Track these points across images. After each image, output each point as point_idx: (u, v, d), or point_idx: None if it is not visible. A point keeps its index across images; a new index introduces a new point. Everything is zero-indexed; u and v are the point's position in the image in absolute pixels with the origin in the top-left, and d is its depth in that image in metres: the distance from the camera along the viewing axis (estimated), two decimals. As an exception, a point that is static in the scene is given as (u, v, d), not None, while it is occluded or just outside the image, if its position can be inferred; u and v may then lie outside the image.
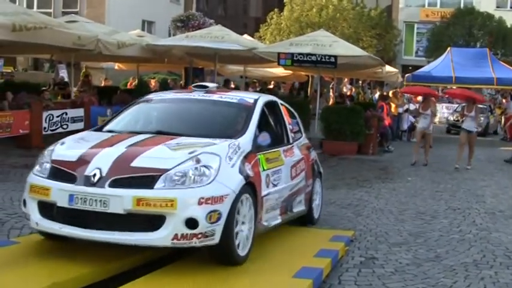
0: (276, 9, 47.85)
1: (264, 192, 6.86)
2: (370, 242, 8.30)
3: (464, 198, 12.18)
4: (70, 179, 6.09)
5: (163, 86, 21.22)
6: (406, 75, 28.04)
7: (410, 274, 6.95)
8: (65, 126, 16.92)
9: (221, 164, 6.16)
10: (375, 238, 8.55)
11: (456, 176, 15.40)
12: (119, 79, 31.84)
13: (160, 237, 5.79)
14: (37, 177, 6.48)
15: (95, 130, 7.95)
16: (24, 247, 6.76)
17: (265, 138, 7.00)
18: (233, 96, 7.92)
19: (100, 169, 5.99)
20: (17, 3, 37.12)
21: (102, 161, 6.10)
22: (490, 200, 12.02)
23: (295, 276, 6.10)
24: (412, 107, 25.11)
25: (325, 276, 6.53)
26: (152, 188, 5.85)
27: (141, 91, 19.90)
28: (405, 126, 25.02)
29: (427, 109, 17.27)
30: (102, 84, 28.51)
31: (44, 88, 19.67)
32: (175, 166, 5.98)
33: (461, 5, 50.10)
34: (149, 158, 6.12)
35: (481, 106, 33.65)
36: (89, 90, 21.36)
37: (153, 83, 26.77)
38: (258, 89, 27.55)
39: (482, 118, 26.91)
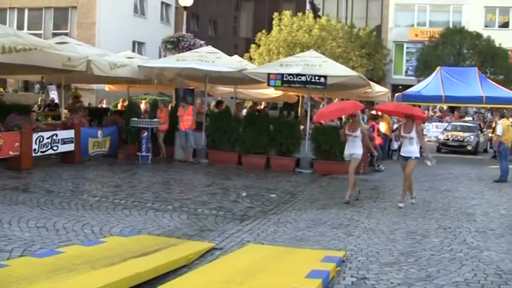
0: (264, 31, 48.08)
1: None
2: (361, 262, 8.28)
3: (455, 217, 12.16)
4: None
5: (154, 108, 21.19)
6: (396, 94, 28.15)
7: (402, 294, 6.93)
8: (55, 148, 16.88)
9: None
10: (366, 258, 8.53)
11: (447, 194, 15.40)
12: (109, 100, 31.90)
13: None
14: None
15: None
16: (13, 270, 6.69)
17: None
18: None
19: None
20: (7, 24, 37.21)
21: None
22: (481, 219, 12.00)
23: (286, 298, 6.09)
24: (395, 126, 25.22)
25: (317, 297, 6.51)
26: None
27: (131, 112, 19.98)
28: (396, 145, 25.02)
29: (355, 130, 13.63)
30: (99, 106, 28.64)
31: (32, 110, 19.60)
32: None
33: (450, 25, 50.50)
34: None
35: (469, 124, 34.09)
36: (80, 111, 21.34)
37: (143, 104, 26.80)
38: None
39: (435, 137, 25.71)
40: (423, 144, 13.76)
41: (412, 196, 13.63)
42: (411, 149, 13.20)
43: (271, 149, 19.02)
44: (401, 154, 13.52)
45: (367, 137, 14.20)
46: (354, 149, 13.66)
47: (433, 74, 28.49)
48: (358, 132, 13.63)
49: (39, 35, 32.04)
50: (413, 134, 13.12)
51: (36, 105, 26.25)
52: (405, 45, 53.92)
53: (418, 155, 13.40)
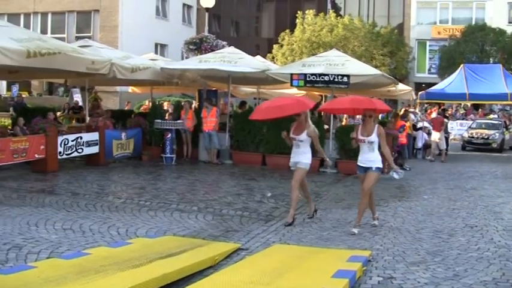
0: (287, 30, 48.10)
1: None
2: (387, 262, 8.24)
3: (481, 215, 12.07)
4: None
5: (177, 109, 21.28)
6: (420, 93, 27.98)
7: (429, 293, 6.89)
8: (80, 150, 17.00)
9: None
10: (393, 257, 8.49)
11: (473, 193, 15.27)
12: (133, 102, 32.08)
13: None
14: None
15: None
16: (41, 271, 6.74)
17: None
18: None
19: None
20: (31, 28, 37.54)
21: None
22: (508, 217, 11.89)
23: (313, 298, 6.08)
24: (420, 124, 25.10)
25: (344, 297, 6.49)
26: None
27: (155, 114, 20.05)
28: (420, 144, 24.96)
29: (300, 133, 10.86)
30: (126, 108, 28.83)
31: (50, 112, 19.70)
32: None
33: (473, 22, 50.14)
34: None
35: (494, 122, 33.77)
36: (103, 114, 21.46)
37: (166, 105, 26.87)
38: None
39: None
40: (386, 152, 10.55)
41: (374, 217, 10.92)
42: (371, 157, 10.38)
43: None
44: (359, 164, 10.55)
45: (317, 141, 11.13)
46: (298, 156, 10.92)
47: (457, 72, 28.28)
48: (304, 136, 10.83)
49: (62, 39, 32.26)
50: (373, 137, 10.31)
51: (61, 109, 26.43)
52: (428, 43, 53.62)
53: (381, 165, 10.47)
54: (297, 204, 11.01)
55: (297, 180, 10.80)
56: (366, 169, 10.38)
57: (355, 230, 10.14)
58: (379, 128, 10.40)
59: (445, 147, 24.39)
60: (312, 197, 12.03)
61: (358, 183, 10.85)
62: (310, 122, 10.95)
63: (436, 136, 24.26)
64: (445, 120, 25.53)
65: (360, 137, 10.39)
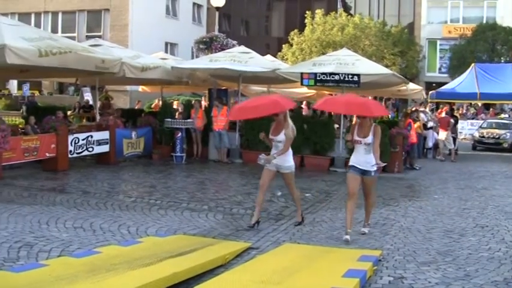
0: (296, 30, 48.06)
1: None
2: (398, 261, 8.22)
3: (492, 215, 12.03)
4: None
5: (188, 108, 21.30)
6: (430, 92, 27.94)
7: (440, 293, 6.87)
8: (90, 149, 17.05)
9: None
10: (403, 257, 8.47)
11: (483, 193, 15.21)
12: (143, 101, 32.13)
13: None
14: None
15: None
16: (52, 269, 6.76)
17: None
18: None
19: None
20: (42, 28, 37.65)
21: None
22: (519, 217, 11.86)
23: (324, 297, 6.07)
24: (430, 124, 25.04)
25: (354, 297, 6.48)
26: None
27: (165, 113, 20.08)
28: (430, 143, 24.88)
29: (278, 133, 10.18)
30: (136, 107, 28.87)
31: (59, 111, 19.74)
32: None
33: (484, 20, 49.93)
34: None
35: (505, 121, 33.63)
36: (114, 113, 21.50)
37: (176, 104, 26.88)
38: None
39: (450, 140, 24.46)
40: (376, 156, 9.64)
41: (366, 223, 10.27)
42: (369, 160, 9.61)
43: (305, 148, 18.94)
44: (354, 165, 9.69)
45: (289, 143, 10.22)
46: (279, 158, 10.14)
47: (468, 71, 28.20)
48: (282, 136, 10.15)
49: (73, 38, 32.36)
50: (370, 138, 9.57)
51: (71, 108, 26.50)
52: (438, 42, 53.49)
53: (376, 168, 9.69)
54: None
55: (292, 186, 10.47)
56: (363, 172, 9.61)
57: (366, 230, 10.03)
58: (375, 128, 9.66)
59: (452, 146, 24.32)
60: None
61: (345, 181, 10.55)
62: (289, 122, 10.26)
63: (442, 135, 24.21)
64: (452, 120, 25.43)
65: (356, 138, 9.68)
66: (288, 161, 10.27)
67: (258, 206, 10.28)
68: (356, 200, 9.63)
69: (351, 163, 9.77)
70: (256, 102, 11.07)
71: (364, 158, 9.60)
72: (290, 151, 10.31)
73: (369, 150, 9.58)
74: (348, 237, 9.30)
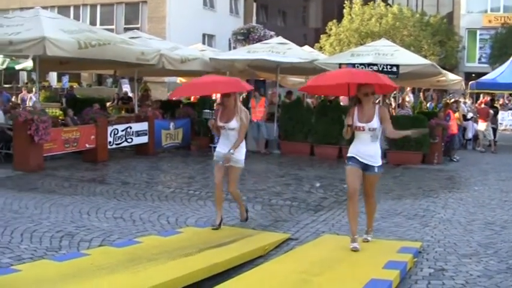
0: (334, 21, 47.80)
1: None
2: (438, 253, 8.14)
3: (535, 207, 11.86)
4: None
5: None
6: (470, 82, 27.54)
7: (482, 286, 6.78)
8: (129, 140, 17.19)
9: None
10: (444, 249, 8.38)
11: (525, 184, 15.00)
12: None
13: None
14: None
15: None
16: (94, 259, 6.83)
17: None
18: None
19: None
20: (81, 20, 38.00)
21: None
22: (562, 209, 11.66)
23: (364, 289, 6.04)
24: (470, 115, 24.73)
25: (394, 288, 6.44)
26: None
27: (203, 104, 20.14)
28: (470, 135, 24.58)
29: (230, 119, 8.91)
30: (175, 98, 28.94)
31: (96, 104, 19.90)
32: None
33: (526, 9, 49.11)
34: None
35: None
36: (152, 105, 21.63)
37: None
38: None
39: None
40: (398, 134, 8.48)
41: (369, 230, 8.57)
42: (373, 151, 7.92)
43: (343, 139, 18.82)
44: (354, 156, 7.92)
45: (244, 130, 8.96)
46: (229, 148, 8.90)
47: (509, 61, 27.68)
48: (234, 123, 8.86)
49: (111, 30, 32.61)
50: (375, 122, 7.81)
51: (110, 99, 26.72)
52: (478, 31, 52.65)
53: (381, 162, 8.06)
54: (240, 204, 9.66)
55: (234, 185, 9.20)
56: (365, 167, 7.91)
57: (369, 237, 8.45)
58: (381, 109, 7.96)
59: (492, 137, 24.00)
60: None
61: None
62: (241, 106, 9.07)
63: (482, 126, 23.92)
64: (491, 111, 25.07)
65: (358, 124, 7.83)
66: (240, 153, 9.00)
67: (219, 205, 9.15)
68: (357, 200, 8.10)
69: (349, 154, 7.97)
70: (213, 78, 9.88)
71: (368, 149, 7.87)
72: (243, 142, 9.08)
73: (374, 138, 7.87)
74: (356, 245, 7.82)
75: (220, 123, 8.92)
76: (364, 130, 7.80)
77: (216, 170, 9.08)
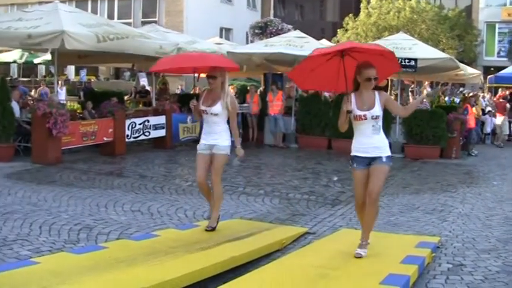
0: (351, 15, 47.59)
1: None
2: (457, 249, 8.09)
3: (554, 202, 11.77)
4: None
5: (243, 93, 21.35)
6: (489, 76, 27.43)
7: (501, 282, 6.73)
8: (147, 134, 17.24)
9: None
10: (462, 244, 8.33)
11: (545, 179, 14.89)
12: (200, 86, 32.24)
13: None
14: None
15: None
16: (112, 252, 6.86)
17: None
18: None
19: None
20: (98, 14, 38.10)
21: None
22: None
23: (382, 283, 6.00)
24: (488, 109, 24.57)
25: (412, 284, 6.40)
26: None
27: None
28: (488, 129, 24.43)
29: (214, 103, 8.01)
30: (197, 92, 29.08)
31: (114, 97, 19.98)
32: None
33: (547, 1, 48.67)
34: None
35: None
36: (170, 98, 21.67)
37: (231, 89, 26.93)
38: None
39: None
40: (407, 109, 7.87)
41: (365, 241, 7.17)
42: (378, 141, 6.98)
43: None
44: (357, 154, 7.02)
45: (234, 117, 8.22)
46: (212, 136, 8.11)
47: (528, 55, 27.57)
48: (219, 107, 7.97)
49: (128, 24, 32.69)
50: (378, 109, 6.96)
51: (128, 93, 26.79)
52: (497, 25, 52.19)
53: (390, 152, 7.08)
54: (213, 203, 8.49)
55: (218, 173, 8.20)
56: (371, 160, 6.94)
57: (362, 252, 7.03)
58: (381, 94, 7.04)
59: (508, 132, 23.89)
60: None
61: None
62: (228, 90, 8.21)
63: (499, 120, 23.80)
64: (508, 105, 24.91)
65: (359, 112, 6.91)
66: (225, 139, 8.11)
67: (208, 198, 8.54)
68: (376, 206, 7.20)
69: (353, 152, 7.09)
70: (199, 53, 9.17)
71: (372, 140, 6.97)
72: (227, 127, 8.16)
73: (377, 128, 6.97)
74: (362, 252, 7.06)
75: (202, 107, 8.03)
76: (365, 119, 6.89)
77: (199, 163, 8.15)
